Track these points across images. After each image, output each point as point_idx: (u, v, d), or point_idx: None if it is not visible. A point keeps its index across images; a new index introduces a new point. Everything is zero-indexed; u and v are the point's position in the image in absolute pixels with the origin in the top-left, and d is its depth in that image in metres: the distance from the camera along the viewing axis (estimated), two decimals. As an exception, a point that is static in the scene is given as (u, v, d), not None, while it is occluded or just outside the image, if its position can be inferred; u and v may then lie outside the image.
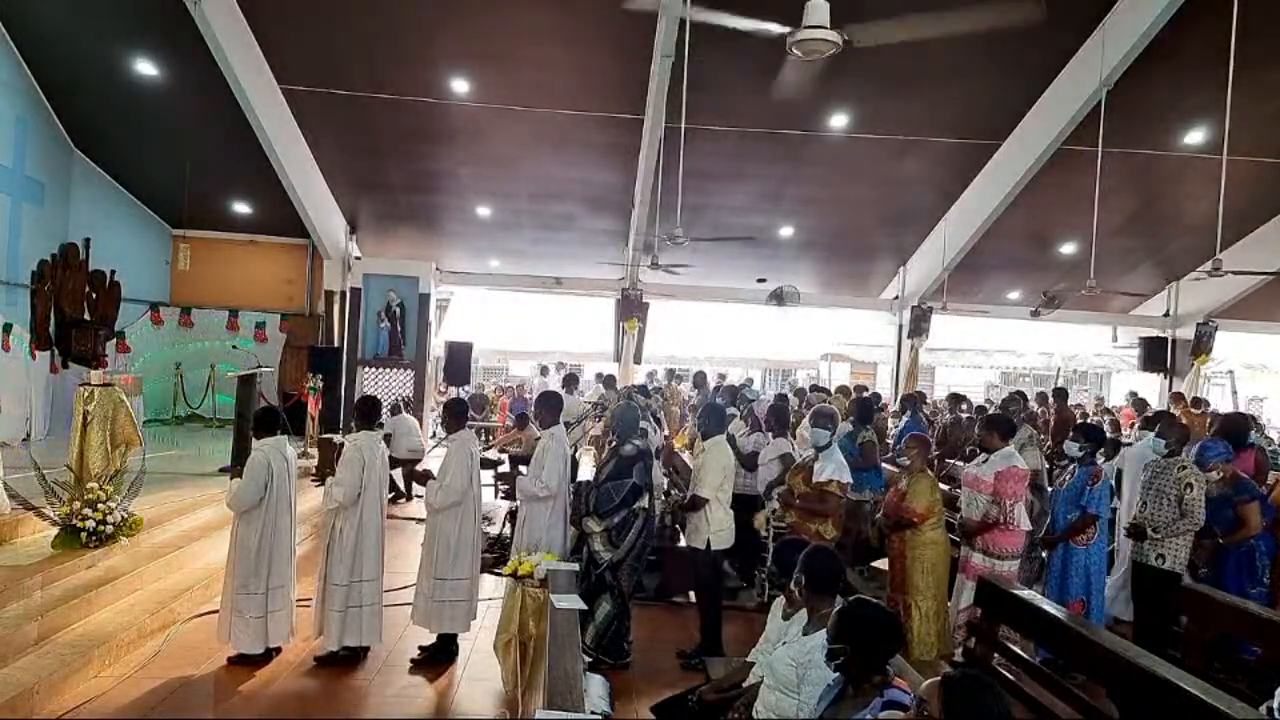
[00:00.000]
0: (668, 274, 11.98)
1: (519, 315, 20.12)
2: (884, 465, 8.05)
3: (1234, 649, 4.86)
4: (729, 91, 10.52)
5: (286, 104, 11.05)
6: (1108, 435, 7.57)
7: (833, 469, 5.52)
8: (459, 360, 14.10)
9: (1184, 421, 6.73)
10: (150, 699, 4.65)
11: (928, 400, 13.80)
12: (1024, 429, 7.42)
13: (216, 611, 5.89)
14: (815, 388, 13.13)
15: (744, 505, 6.68)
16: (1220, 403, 15.16)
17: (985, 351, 22.72)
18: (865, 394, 10.84)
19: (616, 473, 5.29)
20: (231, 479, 5.26)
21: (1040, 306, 14.61)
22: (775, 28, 6.46)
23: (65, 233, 11.48)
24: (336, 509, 5.20)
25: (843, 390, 12.57)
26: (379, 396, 7.09)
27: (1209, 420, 10.60)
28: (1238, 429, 6.51)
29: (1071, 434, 5.89)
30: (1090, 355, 21.97)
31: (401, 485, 9.96)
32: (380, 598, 5.36)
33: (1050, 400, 11.94)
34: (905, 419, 9.57)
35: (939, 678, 2.23)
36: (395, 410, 10.51)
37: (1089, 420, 12.58)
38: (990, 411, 8.29)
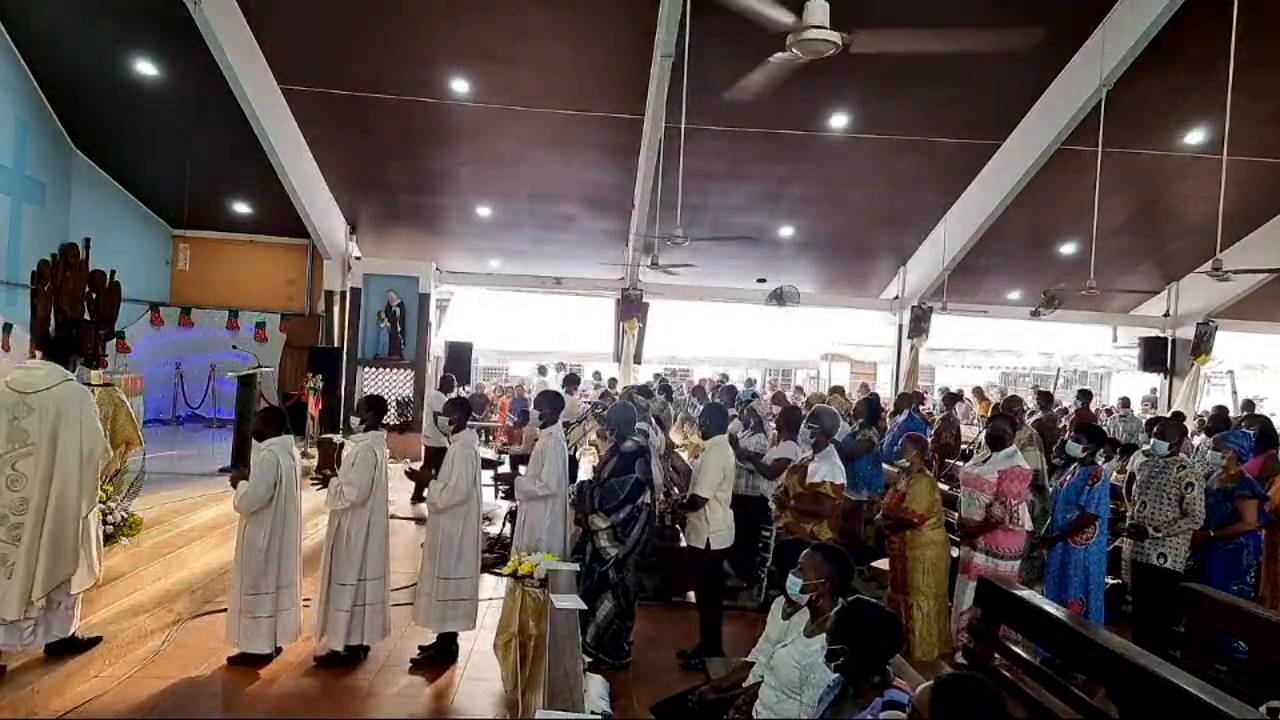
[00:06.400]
0: (668, 274, 11.99)
1: (519, 315, 20.14)
2: (884, 466, 8.06)
3: (1222, 643, 4.87)
4: (729, 91, 10.52)
5: (286, 104, 11.05)
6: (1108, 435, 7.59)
7: (827, 470, 5.52)
8: (459, 360, 14.11)
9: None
10: (150, 699, 4.64)
11: (925, 401, 13.81)
12: (1025, 429, 7.43)
13: (216, 611, 5.92)
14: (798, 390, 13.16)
15: (746, 506, 6.70)
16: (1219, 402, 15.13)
17: (985, 351, 22.70)
18: (838, 394, 10.90)
19: (619, 469, 5.29)
20: (233, 480, 5.25)
21: (1040, 306, 14.61)
22: (782, 16, 6.45)
23: (65, 233, 11.48)
24: (344, 509, 5.20)
25: (837, 390, 12.60)
26: (384, 396, 7.10)
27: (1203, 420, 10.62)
28: (1267, 431, 6.53)
29: (1073, 434, 5.90)
30: (1090, 355, 21.95)
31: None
32: (387, 595, 5.38)
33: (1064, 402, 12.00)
34: (904, 418, 9.57)
35: (931, 682, 2.22)
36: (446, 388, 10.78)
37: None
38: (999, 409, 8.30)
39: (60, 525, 4.51)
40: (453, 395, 10.58)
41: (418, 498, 9.68)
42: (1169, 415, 9.83)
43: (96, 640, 4.91)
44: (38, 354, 7.06)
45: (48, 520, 4.47)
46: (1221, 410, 9.59)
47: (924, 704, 2.18)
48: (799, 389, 17.72)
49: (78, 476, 4.55)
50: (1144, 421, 11.88)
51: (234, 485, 5.21)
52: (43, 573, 4.43)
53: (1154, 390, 16.59)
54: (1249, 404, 11.61)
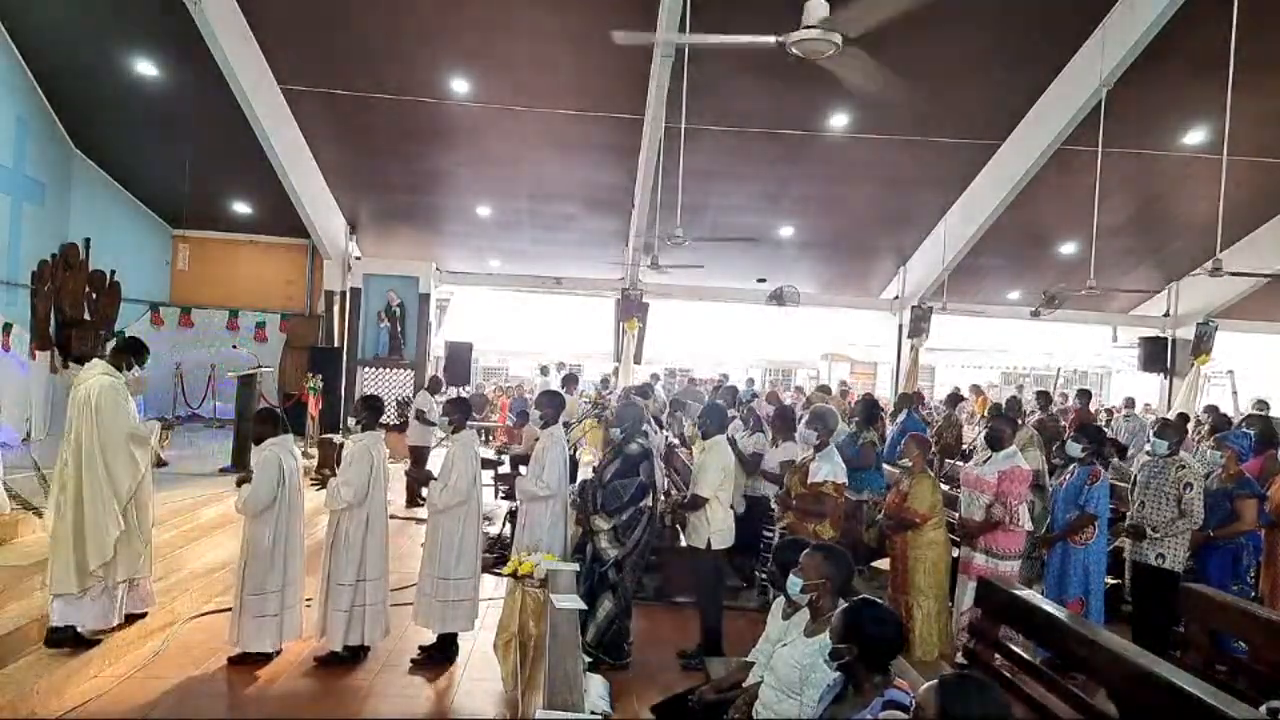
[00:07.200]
0: (668, 274, 11.99)
1: (519, 315, 20.15)
2: (885, 466, 8.05)
3: (1221, 643, 4.86)
4: (729, 91, 10.52)
5: (286, 104, 11.05)
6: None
7: (828, 470, 5.52)
8: (459, 360, 14.12)
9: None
10: (150, 699, 4.64)
11: (925, 402, 13.79)
12: (1025, 429, 7.43)
13: (216, 611, 5.92)
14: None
15: (746, 506, 6.69)
16: (1221, 403, 15.12)
17: (985, 351, 22.71)
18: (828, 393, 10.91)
19: (622, 471, 5.29)
20: (239, 483, 5.26)
21: (1040, 306, 14.60)
22: (768, 39, 6.44)
23: (65, 233, 11.47)
24: (342, 509, 5.21)
25: (824, 389, 12.59)
26: (381, 396, 7.08)
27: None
28: (1267, 431, 6.52)
29: (1074, 434, 5.90)
30: (1090, 355, 21.96)
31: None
32: (386, 595, 5.38)
33: (1066, 401, 11.98)
34: (903, 419, 9.57)
35: (934, 682, 2.23)
36: (434, 388, 10.74)
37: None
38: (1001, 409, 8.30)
39: (96, 509, 4.85)
40: (443, 395, 10.53)
41: (412, 500, 9.65)
42: (1174, 417, 9.83)
43: (97, 641, 4.92)
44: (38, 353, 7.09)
45: (85, 503, 4.83)
46: (1212, 410, 9.60)
47: (927, 704, 2.18)
48: (799, 389, 17.72)
49: (102, 464, 4.90)
50: (1147, 422, 11.89)
51: (238, 487, 5.21)
52: (87, 551, 4.79)
53: (1147, 405, 16.50)
54: (1263, 404, 11.60)
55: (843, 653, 2.64)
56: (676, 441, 9.16)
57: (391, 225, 14.69)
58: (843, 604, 2.90)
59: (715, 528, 5.43)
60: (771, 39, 6.17)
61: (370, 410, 5.58)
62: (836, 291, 16.80)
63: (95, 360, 5.27)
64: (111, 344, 9.23)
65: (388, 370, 14.27)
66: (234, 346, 12.75)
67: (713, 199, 13.10)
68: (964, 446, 10.02)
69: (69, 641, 4.81)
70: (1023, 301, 16.20)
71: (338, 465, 6.12)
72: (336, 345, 13.93)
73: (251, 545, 5.12)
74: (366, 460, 5.22)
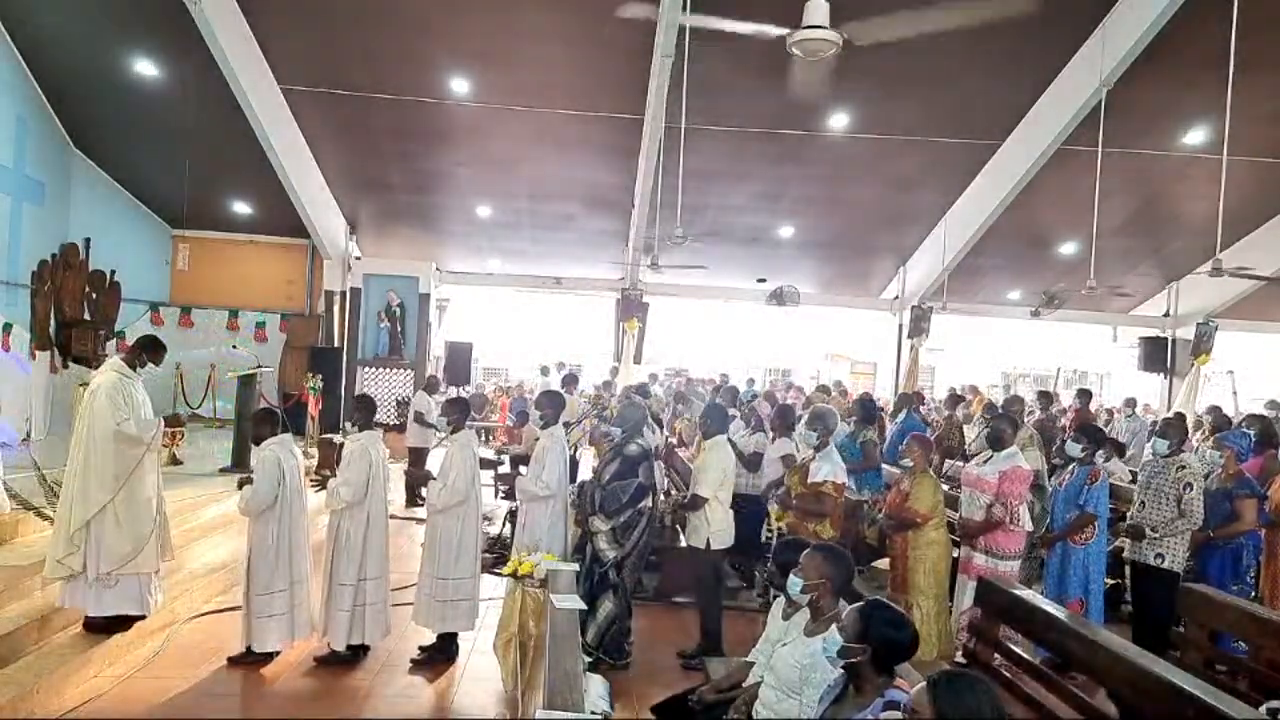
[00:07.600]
0: (668, 274, 11.99)
1: (519, 315, 20.13)
2: (885, 466, 8.05)
3: (1221, 643, 4.86)
4: (729, 91, 10.51)
5: (286, 104, 11.05)
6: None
7: (828, 470, 5.52)
8: (459, 360, 14.12)
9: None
10: (150, 699, 4.65)
11: (925, 401, 13.78)
12: (1025, 428, 7.43)
13: (216, 611, 5.93)
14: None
15: (746, 506, 6.69)
16: (1221, 403, 15.09)
17: (985, 351, 22.67)
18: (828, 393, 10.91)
19: (621, 472, 5.29)
20: (240, 485, 5.26)
21: (1040, 306, 14.61)
22: (774, 30, 6.47)
23: (65, 233, 11.47)
24: (342, 509, 5.21)
25: (824, 389, 12.59)
26: (376, 396, 7.07)
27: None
28: (1267, 431, 6.53)
29: (1073, 434, 5.90)
30: (1090, 355, 21.93)
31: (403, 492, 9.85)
32: (387, 594, 5.38)
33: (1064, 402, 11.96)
34: (902, 419, 9.57)
35: (925, 682, 2.23)
36: (431, 388, 10.77)
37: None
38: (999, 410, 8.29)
39: (68, 500, 5.00)
40: (441, 395, 10.48)
41: (411, 500, 9.64)
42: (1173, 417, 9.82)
43: (126, 626, 5.07)
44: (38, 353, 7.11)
45: (74, 494, 5.00)
46: (1214, 410, 9.60)
47: (922, 704, 2.18)
48: (798, 389, 17.71)
49: (82, 457, 5.00)
50: (1146, 422, 11.87)
51: (240, 488, 5.21)
52: (59, 538, 4.98)
53: (1147, 405, 16.44)
54: (1275, 404, 11.58)
55: (854, 652, 2.64)
56: (676, 442, 9.17)
57: (391, 225, 14.69)
58: (844, 604, 2.90)
59: (715, 528, 5.43)
60: (775, 31, 6.16)
61: (364, 410, 5.60)
62: (836, 291, 16.79)
63: (113, 358, 5.41)
64: (111, 344, 9.27)
65: (388, 370, 14.26)
66: (234, 346, 12.72)
67: (713, 199, 13.10)
68: (965, 448, 10.02)
69: (99, 627, 5.02)
70: (1023, 301, 16.19)
71: (338, 465, 6.12)
72: (336, 345, 13.93)
73: (256, 545, 5.12)
74: (365, 460, 5.22)
